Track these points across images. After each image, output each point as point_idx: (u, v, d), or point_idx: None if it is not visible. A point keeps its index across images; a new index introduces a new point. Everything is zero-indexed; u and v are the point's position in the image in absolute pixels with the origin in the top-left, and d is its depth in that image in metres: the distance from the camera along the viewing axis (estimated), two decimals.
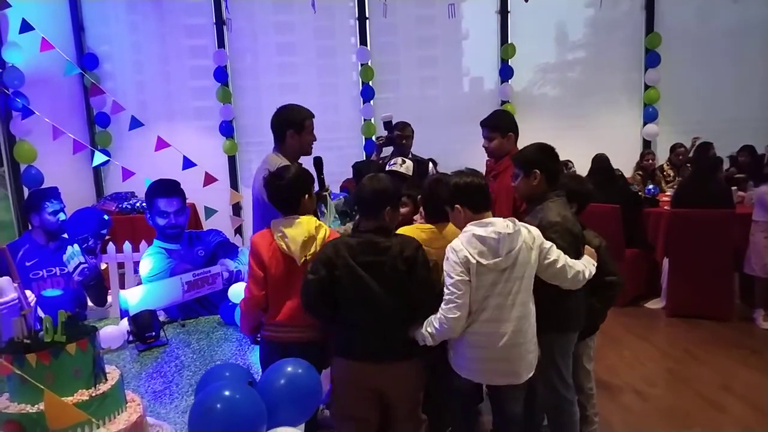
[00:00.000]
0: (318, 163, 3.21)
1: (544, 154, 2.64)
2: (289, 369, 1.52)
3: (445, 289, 2.20)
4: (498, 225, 2.20)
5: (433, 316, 2.21)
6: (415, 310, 2.24)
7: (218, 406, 1.34)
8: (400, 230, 2.49)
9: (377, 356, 2.22)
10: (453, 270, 2.20)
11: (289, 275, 2.32)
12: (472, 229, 2.21)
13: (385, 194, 2.27)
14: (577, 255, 2.47)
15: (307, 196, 2.41)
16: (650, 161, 6.42)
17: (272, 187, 2.40)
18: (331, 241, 2.29)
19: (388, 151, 4.70)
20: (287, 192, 2.38)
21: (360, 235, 2.27)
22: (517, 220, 2.25)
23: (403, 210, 2.93)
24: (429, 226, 2.56)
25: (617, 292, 2.82)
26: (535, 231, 2.31)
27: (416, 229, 2.55)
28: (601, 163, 5.41)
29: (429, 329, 2.20)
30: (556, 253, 2.32)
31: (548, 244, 2.32)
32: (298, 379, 1.50)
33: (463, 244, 2.20)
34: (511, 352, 2.25)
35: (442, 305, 2.20)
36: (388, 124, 4.62)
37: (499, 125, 3.37)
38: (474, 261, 2.17)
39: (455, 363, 2.36)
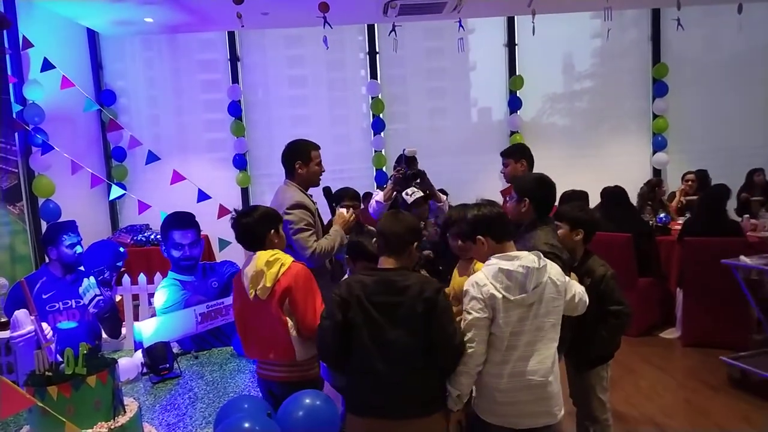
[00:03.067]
0: (327, 192, 3.33)
1: (537, 184, 2.71)
2: (308, 401, 1.53)
3: (463, 324, 2.09)
4: (525, 259, 2.11)
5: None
6: (433, 358, 2.06)
7: None
8: (477, 264, 2.45)
9: (393, 412, 2.04)
10: (472, 306, 2.08)
11: (250, 311, 2.34)
12: (497, 262, 2.11)
13: (413, 232, 2.20)
14: None
15: (273, 231, 2.40)
16: (662, 189, 6.39)
17: (238, 225, 2.39)
18: (345, 279, 2.23)
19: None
20: (251, 229, 2.37)
21: (376, 273, 2.14)
22: (542, 254, 2.18)
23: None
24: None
25: (624, 321, 2.79)
26: (556, 267, 2.23)
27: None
28: (612, 193, 5.41)
29: (452, 382, 2.10)
30: (572, 288, 2.29)
31: (566, 278, 2.28)
32: (316, 410, 1.51)
33: (488, 278, 2.09)
34: (546, 390, 2.13)
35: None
36: (411, 160, 4.27)
37: (513, 152, 3.71)
38: (500, 296, 2.06)
39: (484, 409, 2.18)
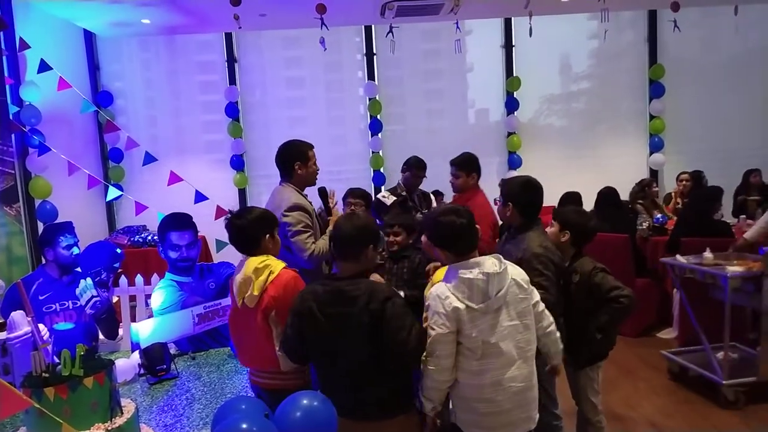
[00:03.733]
0: (322, 192, 3.35)
1: (523, 189, 2.73)
2: (305, 402, 1.53)
3: (428, 340, 2.04)
4: (484, 265, 2.05)
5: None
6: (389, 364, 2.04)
7: None
8: (438, 271, 2.42)
9: (360, 414, 2.05)
10: (435, 321, 2.03)
11: (238, 318, 2.33)
12: (457, 272, 2.05)
13: (367, 234, 2.14)
14: (557, 284, 2.60)
15: (268, 236, 2.35)
16: (653, 189, 6.40)
17: (232, 226, 2.34)
18: (301, 291, 2.18)
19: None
20: (244, 232, 2.32)
21: (329, 283, 2.13)
22: (502, 257, 2.15)
23: (397, 239, 3.14)
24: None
25: (625, 304, 2.70)
26: (518, 268, 2.21)
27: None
28: (606, 194, 5.43)
29: (423, 393, 2.08)
30: (537, 295, 2.25)
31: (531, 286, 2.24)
32: (313, 411, 1.50)
33: (449, 290, 2.04)
34: (526, 396, 2.11)
35: (424, 356, 2.06)
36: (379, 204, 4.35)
37: (466, 164, 3.94)
38: (463, 306, 2.01)
39: (467, 422, 2.14)
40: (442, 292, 2.05)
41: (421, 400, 2.14)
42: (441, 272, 2.29)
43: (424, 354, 2.05)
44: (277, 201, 3.12)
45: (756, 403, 3.82)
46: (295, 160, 3.18)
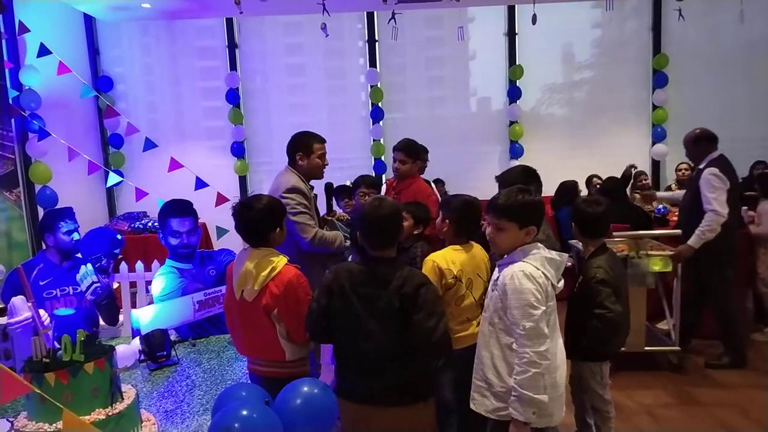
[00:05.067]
0: (328, 188, 3.38)
1: (526, 176, 2.79)
2: (305, 389, 1.53)
3: (528, 323, 1.97)
4: (544, 248, 2.15)
5: (518, 367, 1.99)
6: (413, 352, 2.03)
7: (237, 425, 1.35)
8: (437, 253, 2.53)
9: (376, 399, 2.04)
10: (537, 300, 2.00)
11: (237, 309, 2.31)
12: (539, 252, 2.09)
13: (397, 215, 2.15)
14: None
15: (278, 229, 2.31)
16: (644, 181, 6.38)
17: (240, 216, 2.29)
18: (336, 266, 2.20)
19: None
20: (253, 225, 2.28)
21: (366, 264, 2.14)
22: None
23: (405, 224, 3.08)
24: (459, 246, 2.62)
25: (606, 326, 2.75)
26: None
27: (452, 251, 2.60)
28: (607, 186, 5.41)
29: (532, 373, 1.96)
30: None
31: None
32: (314, 398, 1.51)
33: (539, 268, 2.05)
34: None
35: (526, 342, 1.96)
36: None
37: (413, 152, 3.94)
38: (550, 285, 2.07)
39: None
40: (531, 270, 2.03)
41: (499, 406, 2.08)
42: (428, 260, 2.50)
43: (527, 345, 1.96)
44: (277, 183, 3.18)
45: (751, 388, 3.84)
46: (297, 150, 3.27)
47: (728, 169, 4.12)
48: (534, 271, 2.02)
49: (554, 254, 2.09)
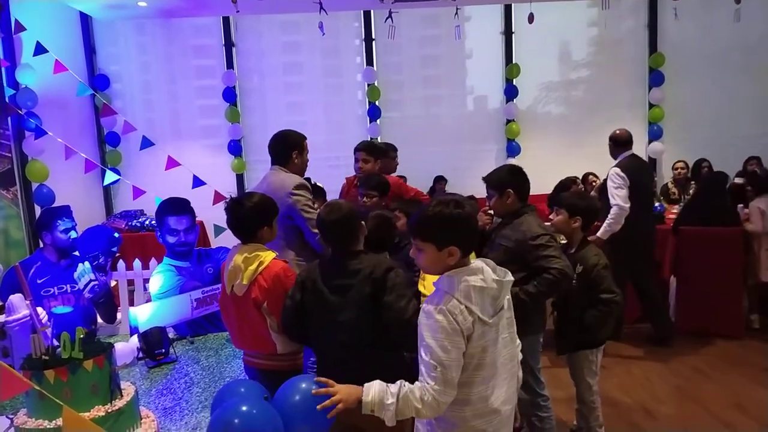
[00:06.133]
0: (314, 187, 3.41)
1: (514, 174, 2.81)
2: (304, 385, 1.54)
3: (434, 362, 1.61)
4: (487, 270, 1.70)
5: (416, 389, 1.64)
6: (385, 340, 2.03)
7: (236, 421, 1.36)
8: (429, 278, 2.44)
9: None
10: (450, 340, 1.60)
11: (229, 303, 2.35)
12: (466, 279, 1.65)
13: (350, 220, 2.18)
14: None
15: (266, 227, 2.34)
16: None
17: (232, 212, 2.33)
18: (310, 263, 2.26)
19: None
20: (242, 221, 2.32)
21: (334, 257, 2.21)
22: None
23: (399, 223, 3.11)
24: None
25: (613, 309, 2.87)
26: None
27: None
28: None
29: (414, 404, 1.62)
30: None
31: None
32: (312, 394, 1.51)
33: (462, 301, 1.62)
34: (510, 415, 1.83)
35: (430, 383, 1.61)
36: None
37: (376, 152, 4.03)
38: (480, 319, 1.64)
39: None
40: (453, 306, 1.62)
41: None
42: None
43: (425, 376, 1.64)
44: (278, 182, 3.14)
45: (745, 383, 3.87)
46: (293, 148, 3.27)
47: (635, 169, 4.46)
48: (454, 306, 1.62)
49: (491, 282, 1.67)
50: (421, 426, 1.80)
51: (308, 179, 3.46)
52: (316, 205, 3.18)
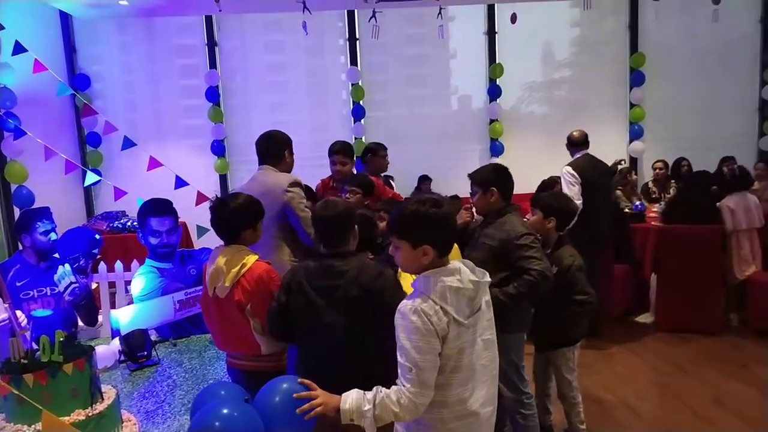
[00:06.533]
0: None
1: (498, 173, 2.85)
2: (285, 386, 1.53)
3: (408, 364, 1.61)
4: (465, 271, 1.70)
5: (392, 393, 1.63)
6: (371, 342, 2.02)
7: (217, 424, 1.35)
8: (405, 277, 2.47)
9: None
10: (425, 341, 1.60)
11: (211, 305, 2.34)
12: (442, 279, 1.65)
13: (346, 218, 2.18)
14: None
15: (251, 229, 2.33)
16: (629, 178, 6.46)
17: (216, 212, 2.33)
18: (294, 265, 2.26)
19: None
20: (227, 221, 2.31)
21: (320, 258, 2.19)
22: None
23: (382, 224, 3.08)
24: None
25: (587, 310, 2.94)
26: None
27: None
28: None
29: (392, 408, 1.62)
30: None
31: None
32: (293, 396, 1.51)
33: (437, 302, 1.62)
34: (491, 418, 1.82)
35: (406, 385, 1.61)
36: None
37: (352, 155, 4.13)
38: (450, 321, 1.63)
39: None
40: (426, 307, 1.62)
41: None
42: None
43: (402, 378, 1.65)
44: (271, 181, 3.13)
45: (723, 379, 3.93)
46: (285, 147, 3.29)
47: (587, 168, 4.67)
48: (429, 307, 1.62)
49: (467, 283, 1.66)
50: (401, 428, 1.80)
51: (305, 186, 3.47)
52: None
